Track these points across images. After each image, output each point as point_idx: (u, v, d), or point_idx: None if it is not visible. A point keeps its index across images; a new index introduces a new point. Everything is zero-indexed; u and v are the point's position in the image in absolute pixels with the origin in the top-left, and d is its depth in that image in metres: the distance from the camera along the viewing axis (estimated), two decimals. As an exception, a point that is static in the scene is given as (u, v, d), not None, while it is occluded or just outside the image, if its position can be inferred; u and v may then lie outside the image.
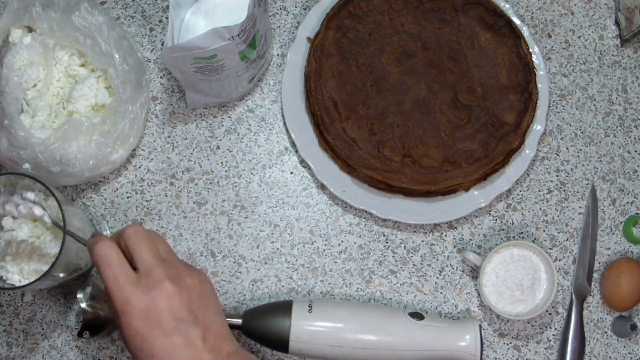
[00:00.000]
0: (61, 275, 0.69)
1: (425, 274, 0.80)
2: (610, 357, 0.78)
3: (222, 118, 0.82)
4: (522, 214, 0.81)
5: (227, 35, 0.67)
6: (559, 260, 0.80)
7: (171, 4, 0.72)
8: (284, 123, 0.82)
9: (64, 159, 0.71)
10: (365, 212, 0.80)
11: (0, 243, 0.69)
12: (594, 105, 0.84)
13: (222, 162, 0.82)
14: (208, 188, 0.81)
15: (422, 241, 0.80)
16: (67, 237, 0.64)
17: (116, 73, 0.74)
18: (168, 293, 0.58)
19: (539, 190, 0.82)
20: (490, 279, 0.76)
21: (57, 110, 0.76)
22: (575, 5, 0.87)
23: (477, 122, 0.79)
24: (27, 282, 0.67)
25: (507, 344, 0.78)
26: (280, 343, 0.71)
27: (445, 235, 0.80)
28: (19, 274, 0.68)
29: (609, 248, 0.81)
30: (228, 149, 0.82)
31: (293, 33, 0.84)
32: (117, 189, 0.80)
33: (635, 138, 0.84)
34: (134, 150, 0.81)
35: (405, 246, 0.80)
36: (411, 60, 0.81)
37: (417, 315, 0.73)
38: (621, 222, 0.82)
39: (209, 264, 0.79)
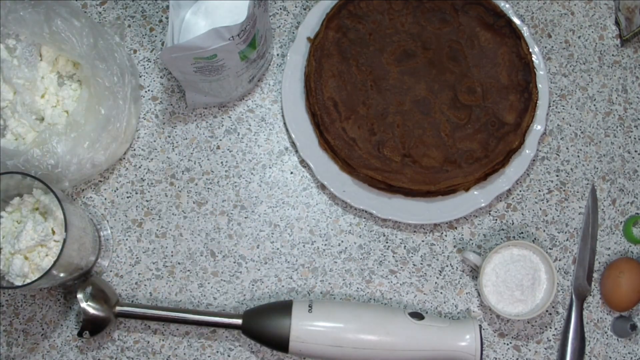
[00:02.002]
0: (62, 275, 0.69)
1: (425, 274, 0.80)
2: (610, 357, 0.78)
3: (222, 118, 0.82)
4: (522, 214, 0.81)
5: (227, 35, 0.66)
6: (559, 260, 0.80)
7: (171, 4, 0.72)
8: (284, 123, 0.82)
9: (43, 165, 0.71)
10: (365, 212, 0.80)
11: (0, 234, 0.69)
12: (594, 105, 0.84)
13: (222, 162, 0.82)
14: (208, 188, 0.81)
15: (422, 241, 0.80)
16: (69, 236, 0.64)
17: (91, 71, 0.73)
18: None
19: (539, 190, 0.82)
20: (490, 279, 0.76)
21: (32, 122, 0.77)
22: (575, 5, 0.87)
23: (477, 122, 0.79)
24: (29, 280, 0.67)
25: (507, 344, 0.78)
26: (280, 343, 0.71)
27: (445, 235, 0.80)
28: (20, 270, 0.68)
29: (609, 248, 0.81)
30: (228, 149, 0.82)
31: (293, 33, 0.84)
32: (117, 189, 0.80)
33: (635, 138, 0.84)
34: (134, 150, 0.81)
35: (405, 246, 0.80)
36: (411, 60, 0.81)
37: (417, 315, 0.73)
38: (621, 222, 0.82)
39: (209, 264, 0.79)
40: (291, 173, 0.82)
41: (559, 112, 0.84)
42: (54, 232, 0.70)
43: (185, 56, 0.68)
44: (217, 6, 0.74)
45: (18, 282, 0.68)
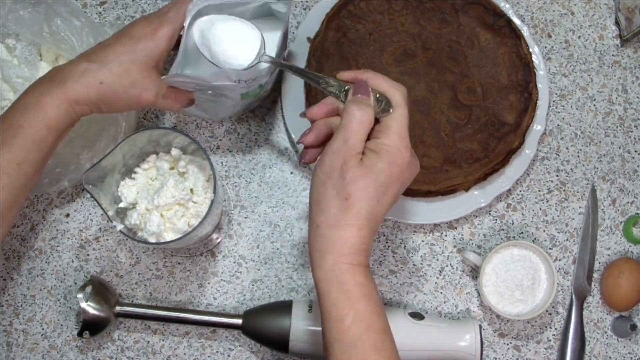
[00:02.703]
0: (199, 236, 0.69)
1: (425, 274, 0.79)
2: (610, 357, 0.78)
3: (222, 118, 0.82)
4: (522, 214, 0.81)
5: (234, 77, 0.65)
6: (559, 260, 0.80)
7: (186, 30, 0.69)
8: (284, 123, 0.82)
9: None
10: (365, 212, 0.80)
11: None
12: (594, 105, 0.84)
13: (222, 162, 0.82)
14: (208, 188, 0.81)
15: (422, 241, 0.80)
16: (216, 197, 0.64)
17: None
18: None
19: (539, 190, 0.82)
20: (490, 279, 0.76)
21: None
22: (575, 5, 0.87)
23: (477, 122, 0.79)
24: (163, 240, 0.67)
25: (507, 344, 0.78)
26: (280, 343, 0.71)
27: (445, 235, 0.80)
28: (157, 227, 0.68)
29: (609, 248, 0.81)
30: (228, 149, 0.82)
31: (293, 33, 0.84)
32: (117, 189, 0.80)
33: (635, 138, 0.84)
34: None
35: (405, 246, 0.80)
36: (411, 60, 0.81)
37: (417, 315, 0.73)
38: (621, 222, 0.82)
39: (209, 264, 0.79)
40: (291, 173, 0.82)
41: (559, 112, 0.84)
42: (192, 192, 0.70)
43: (188, 80, 0.67)
44: (231, 30, 0.73)
45: (152, 240, 0.68)
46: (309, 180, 0.81)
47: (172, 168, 0.72)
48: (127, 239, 0.79)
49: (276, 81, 0.81)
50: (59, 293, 0.78)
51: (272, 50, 0.68)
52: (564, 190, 0.82)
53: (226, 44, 0.64)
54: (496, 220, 0.81)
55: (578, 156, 0.83)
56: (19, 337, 0.77)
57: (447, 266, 0.80)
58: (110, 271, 0.79)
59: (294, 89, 0.82)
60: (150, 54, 0.62)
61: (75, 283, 0.78)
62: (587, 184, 0.82)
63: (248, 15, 0.70)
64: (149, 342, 0.77)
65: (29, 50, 0.76)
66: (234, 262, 0.79)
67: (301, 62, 0.82)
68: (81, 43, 0.73)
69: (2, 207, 0.59)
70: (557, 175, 0.82)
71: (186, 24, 0.65)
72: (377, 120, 0.58)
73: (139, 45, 0.62)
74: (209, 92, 0.70)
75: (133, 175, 0.70)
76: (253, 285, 0.79)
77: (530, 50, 0.82)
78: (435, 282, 0.79)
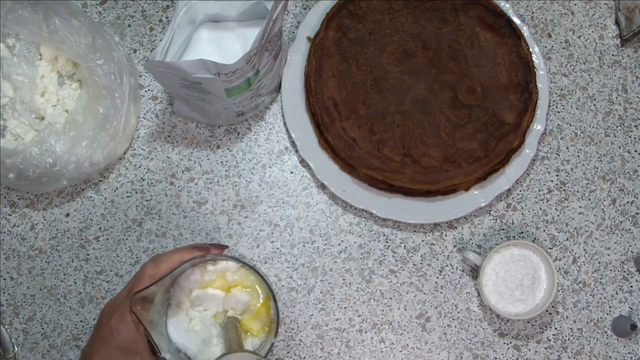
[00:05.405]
0: None
1: (425, 273, 0.79)
2: (610, 357, 0.78)
3: (222, 118, 0.82)
4: (522, 214, 0.81)
5: (213, 70, 0.65)
6: (559, 260, 0.80)
7: (180, 20, 0.71)
8: (284, 123, 0.82)
9: (42, 163, 0.71)
10: (365, 211, 0.80)
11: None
12: (594, 105, 0.84)
13: (222, 162, 0.82)
14: (208, 187, 0.81)
15: (422, 241, 0.80)
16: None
17: (88, 71, 0.74)
18: None
19: (539, 190, 0.82)
20: (490, 278, 0.76)
21: (30, 120, 0.77)
22: (575, 5, 0.87)
23: (477, 122, 0.79)
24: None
25: (507, 344, 0.78)
26: None
27: (445, 235, 0.80)
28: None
29: (609, 248, 0.81)
30: (228, 149, 0.82)
31: (293, 33, 0.84)
32: (117, 189, 0.80)
33: (635, 138, 0.84)
34: (134, 149, 0.81)
35: (405, 246, 0.80)
36: (411, 60, 0.81)
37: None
38: (621, 222, 0.81)
39: (209, 263, 0.79)
40: (291, 173, 0.81)
41: (559, 112, 0.84)
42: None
43: (170, 72, 0.67)
44: (232, 33, 0.73)
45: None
46: (309, 180, 0.81)
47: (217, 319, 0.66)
48: (127, 239, 0.79)
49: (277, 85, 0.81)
50: (59, 293, 0.78)
51: (248, 46, 0.69)
52: (564, 190, 0.82)
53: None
54: (496, 220, 0.81)
55: (578, 156, 0.83)
56: (19, 336, 0.77)
57: (447, 266, 0.80)
58: (110, 271, 0.79)
59: (294, 88, 0.82)
60: None
61: (75, 283, 0.78)
62: (587, 183, 0.82)
63: (244, 15, 0.70)
64: (148, 341, 0.77)
65: (28, 49, 0.76)
66: (234, 262, 0.79)
67: (301, 62, 0.82)
68: (79, 43, 0.74)
69: None
70: (557, 175, 0.82)
71: (179, 12, 0.66)
72: None
73: None
74: (194, 88, 0.70)
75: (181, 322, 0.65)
76: (253, 285, 0.79)
77: (530, 50, 0.82)
78: (435, 282, 0.79)
